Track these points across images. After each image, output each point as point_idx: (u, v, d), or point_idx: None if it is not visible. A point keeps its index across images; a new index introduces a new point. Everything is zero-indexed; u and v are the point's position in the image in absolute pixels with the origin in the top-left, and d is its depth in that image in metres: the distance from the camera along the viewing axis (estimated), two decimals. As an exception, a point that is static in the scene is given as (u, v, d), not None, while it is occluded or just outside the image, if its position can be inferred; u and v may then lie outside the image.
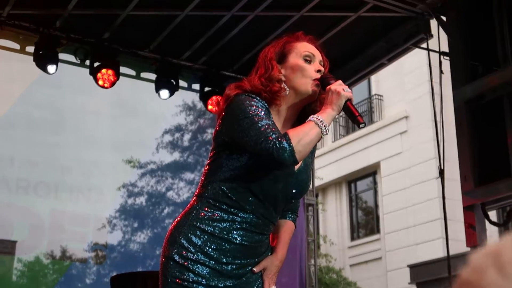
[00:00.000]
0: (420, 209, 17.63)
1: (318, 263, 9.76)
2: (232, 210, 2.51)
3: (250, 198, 2.52)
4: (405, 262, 17.32)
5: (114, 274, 8.37)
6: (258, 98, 2.57)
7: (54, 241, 8.75)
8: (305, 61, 2.68)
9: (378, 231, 19.70)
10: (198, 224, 2.50)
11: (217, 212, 2.51)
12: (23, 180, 8.33)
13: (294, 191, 2.61)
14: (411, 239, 17.85)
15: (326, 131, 2.46)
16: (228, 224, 2.50)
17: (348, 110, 2.54)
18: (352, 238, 20.57)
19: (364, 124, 2.53)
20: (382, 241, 19.17)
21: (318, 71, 2.66)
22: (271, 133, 2.40)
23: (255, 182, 2.52)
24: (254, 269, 2.57)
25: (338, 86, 2.54)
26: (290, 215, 2.81)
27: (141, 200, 10.28)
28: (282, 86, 2.62)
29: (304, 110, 2.71)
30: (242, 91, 2.60)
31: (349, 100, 2.54)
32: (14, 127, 8.31)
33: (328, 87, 2.56)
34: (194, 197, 2.61)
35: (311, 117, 2.47)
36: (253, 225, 2.53)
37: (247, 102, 2.52)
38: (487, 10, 6.08)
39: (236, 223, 2.51)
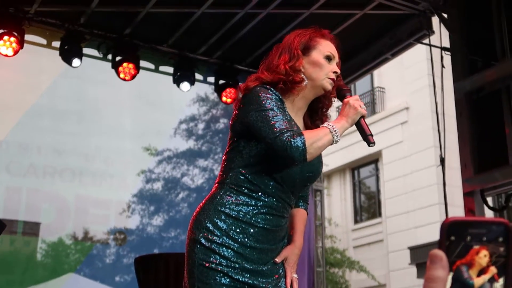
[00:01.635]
0: (420, 195, 17.63)
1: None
2: (254, 194, 2.51)
3: (270, 182, 2.52)
4: (405, 244, 17.36)
5: (133, 255, 8.44)
6: (274, 90, 2.56)
7: (78, 223, 8.79)
8: (326, 59, 2.69)
9: (380, 215, 19.72)
10: (223, 208, 2.49)
11: (240, 197, 2.51)
12: (50, 167, 8.36)
13: (308, 174, 2.63)
14: (411, 223, 17.87)
15: (337, 140, 2.50)
16: (251, 208, 2.50)
17: (361, 127, 2.56)
18: (356, 221, 20.61)
19: (374, 144, 2.54)
20: (383, 224, 19.20)
21: (335, 72, 2.67)
22: (287, 130, 2.41)
23: (273, 166, 2.52)
24: (276, 259, 2.56)
25: (355, 101, 2.54)
26: (302, 204, 2.81)
27: (158, 185, 10.31)
28: (302, 76, 2.63)
29: (312, 102, 2.74)
30: (261, 82, 2.60)
31: (363, 117, 2.55)
32: (41, 117, 8.33)
33: (346, 100, 2.56)
34: (216, 184, 2.60)
35: (327, 124, 2.50)
36: (274, 208, 2.53)
37: (265, 95, 2.52)
38: (486, 7, 6.07)
39: (259, 206, 2.51)
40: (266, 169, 2.52)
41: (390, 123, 19.02)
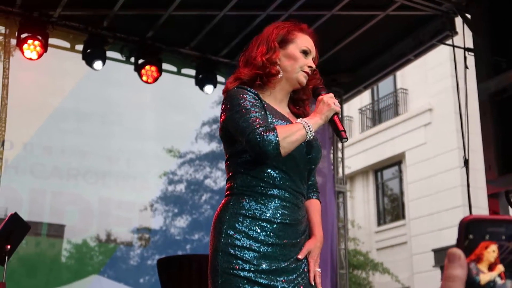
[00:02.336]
0: (443, 197, 17.49)
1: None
2: (264, 190, 2.51)
3: (275, 174, 2.52)
4: (429, 247, 17.21)
5: (156, 256, 8.46)
6: (250, 89, 2.60)
7: (101, 225, 8.84)
8: (302, 53, 2.71)
9: (403, 217, 19.59)
10: (239, 211, 2.49)
11: (251, 197, 2.51)
12: (73, 169, 8.42)
13: (309, 156, 2.62)
14: (435, 225, 17.72)
15: (311, 136, 2.50)
16: (265, 205, 2.50)
17: (334, 123, 2.58)
18: (379, 224, 20.49)
19: (346, 139, 2.57)
20: (407, 226, 19.06)
21: (310, 67, 2.71)
22: (259, 126, 2.43)
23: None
24: (299, 256, 2.54)
25: (329, 98, 2.57)
26: (313, 194, 2.78)
27: (181, 187, 10.35)
28: (278, 69, 2.67)
29: (294, 93, 2.79)
30: (239, 82, 2.65)
31: (336, 114, 2.57)
32: (65, 120, 8.40)
33: (320, 97, 2.60)
34: (226, 192, 2.61)
35: (300, 120, 2.52)
36: (287, 200, 2.53)
37: (239, 95, 2.56)
38: (510, 8, 6.00)
39: (272, 202, 2.51)
40: (272, 163, 2.52)
41: (413, 125, 18.89)
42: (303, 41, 2.73)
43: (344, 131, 2.57)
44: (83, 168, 8.46)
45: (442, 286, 0.85)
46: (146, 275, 9.03)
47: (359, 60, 8.56)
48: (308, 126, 2.48)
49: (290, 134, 2.44)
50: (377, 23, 7.44)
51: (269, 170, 2.52)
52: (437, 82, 18.19)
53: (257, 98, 2.58)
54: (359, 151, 20.19)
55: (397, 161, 20.01)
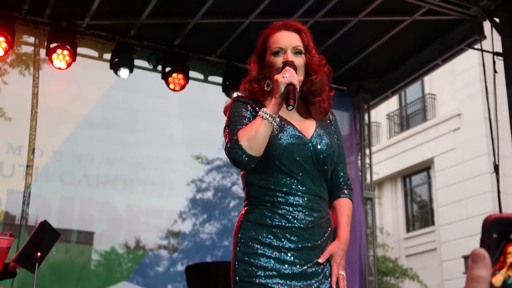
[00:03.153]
0: (473, 203, 17.29)
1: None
2: (274, 198, 2.50)
3: (281, 181, 2.52)
4: (459, 253, 17.02)
5: (185, 263, 8.48)
6: (242, 100, 2.62)
7: (130, 232, 8.88)
8: (274, 56, 2.63)
9: (432, 223, 19.40)
10: (252, 220, 2.52)
11: (263, 205, 2.52)
12: (103, 176, 8.47)
13: (315, 158, 2.56)
14: (465, 231, 17.52)
15: (273, 121, 2.43)
16: (275, 212, 2.50)
17: (287, 94, 2.43)
18: (408, 230, 20.32)
19: (291, 107, 2.40)
20: (436, 232, 18.87)
21: (285, 61, 2.58)
22: (228, 141, 2.45)
23: (276, 162, 2.51)
24: (320, 260, 2.50)
25: (279, 75, 2.46)
26: (341, 193, 2.70)
27: (209, 194, 10.36)
28: (262, 84, 2.64)
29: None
30: (236, 97, 2.67)
31: (291, 84, 2.42)
32: (94, 128, 8.46)
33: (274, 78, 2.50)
34: (244, 203, 2.64)
35: (260, 111, 2.46)
36: (298, 204, 2.51)
37: (231, 111, 2.59)
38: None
39: (285, 208, 2.50)
40: (273, 169, 2.52)
41: (442, 130, 18.73)
42: (274, 42, 2.65)
43: (294, 99, 2.41)
44: (111, 176, 8.51)
45: (466, 287, 0.83)
46: (174, 282, 9.05)
47: (386, 65, 8.51)
48: (265, 113, 2.42)
49: (250, 131, 2.42)
50: (404, 28, 7.39)
51: (274, 178, 2.52)
52: (466, 87, 18.02)
53: (248, 106, 2.60)
54: (387, 157, 20.06)
55: (425, 167, 19.84)
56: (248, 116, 2.56)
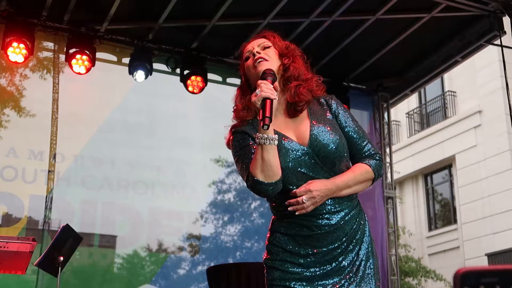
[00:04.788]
0: (496, 200, 17.14)
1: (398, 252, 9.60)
2: (286, 212, 2.54)
3: (291, 189, 2.53)
4: (483, 251, 16.88)
5: (207, 265, 8.48)
6: (240, 131, 2.61)
7: (152, 235, 8.89)
8: (246, 61, 2.67)
9: (455, 221, 19.26)
10: (276, 229, 2.62)
11: (285, 218, 2.59)
12: (123, 180, 8.50)
13: (320, 162, 2.53)
14: (488, 229, 17.37)
15: (270, 140, 2.39)
16: (296, 223, 2.55)
17: (263, 110, 2.36)
18: (430, 229, 20.19)
19: (266, 127, 2.33)
20: (459, 231, 18.73)
21: (253, 55, 2.64)
22: (246, 180, 2.48)
23: (287, 185, 2.52)
24: (294, 191, 2.49)
25: (253, 94, 2.42)
26: (362, 161, 2.65)
27: (229, 196, 10.36)
28: (246, 111, 2.63)
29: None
30: (232, 129, 2.68)
31: (267, 98, 2.36)
32: (114, 131, 8.49)
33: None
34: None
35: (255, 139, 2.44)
36: (317, 214, 2.52)
37: (233, 146, 2.62)
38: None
39: (303, 219, 2.53)
40: (284, 189, 2.52)
41: (462, 127, 18.58)
42: (246, 51, 2.71)
43: (268, 117, 2.33)
44: (132, 179, 8.54)
45: None
46: (197, 284, 9.05)
47: (405, 63, 8.46)
48: (260, 138, 2.39)
49: (258, 162, 2.42)
50: (422, 26, 7.34)
51: (286, 196, 2.53)
52: (486, 83, 17.87)
53: (243, 135, 2.60)
54: (408, 156, 19.96)
55: (447, 165, 19.70)
56: (251, 143, 2.56)
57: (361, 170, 2.60)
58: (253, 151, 2.50)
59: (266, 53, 2.63)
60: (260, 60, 2.59)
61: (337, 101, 2.73)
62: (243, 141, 2.59)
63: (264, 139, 2.38)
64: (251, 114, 2.63)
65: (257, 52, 2.64)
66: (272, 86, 2.42)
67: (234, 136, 2.63)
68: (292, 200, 2.50)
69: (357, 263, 2.54)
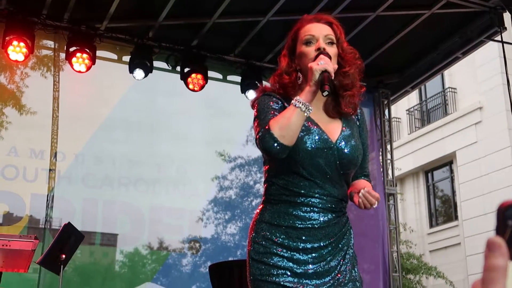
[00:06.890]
0: (497, 196, 17.13)
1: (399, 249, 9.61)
2: (291, 198, 2.50)
3: (301, 182, 2.50)
4: (484, 247, 16.88)
5: (208, 263, 8.48)
6: (271, 94, 2.58)
7: (153, 233, 8.89)
8: (306, 45, 2.58)
9: (456, 218, 19.26)
10: (266, 219, 2.53)
11: (278, 205, 2.52)
12: (124, 178, 8.50)
13: (338, 162, 2.52)
14: (489, 225, 17.37)
15: (305, 108, 2.37)
16: (291, 214, 2.49)
17: (322, 80, 2.37)
18: (431, 225, 20.19)
19: (326, 93, 2.34)
20: (460, 227, 18.73)
21: (318, 49, 2.54)
22: (259, 131, 2.41)
23: (298, 166, 2.49)
24: (355, 199, 2.48)
25: (314, 62, 2.42)
26: (360, 177, 2.69)
27: (231, 193, 10.35)
28: (292, 77, 2.59)
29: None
30: (262, 92, 2.64)
31: (325, 71, 2.37)
32: (115, 129, 8.49)
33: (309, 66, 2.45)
34: (262, 201, 2.63)
35: (293, 100, 2.41)
36: (314, 206, 2.50)
37: (259, 104, 2.56)
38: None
39: (299, 210, 2.49)
40: (293, 170, 2.50)
41: (463, 124, 18.58)
42: (305, 31, 2.62)
43: (329, 85, 2.35)
44: (133, 177, 8.53)
45: (483, 278, 0.80)
46: (198, 281, 9.06)
47: (406, 60, 8.46)
48: (298, 101, 2.38)
49: (283, 120, 2.38)
50: (422, 22, 7.35)
51: (294, 179, 2.50)
52: (487, 80, 17.87)
53: (275, 98, 2.56)
54: (409, 152, 19.95)
55: (448, 161, 19.70)
56: (277, 108, 2.52)
57: (364, 183, 2.63)
58: (276, 114, 2.47)
59: (329, 51, 2.54)
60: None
61: (364, 115, 2.77)
62: (270, 102, 2.54)
63: (301, 103, 2.36)
64: (292, 81, 2.59)
65: (323, 48, 2.53)
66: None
67: (263, 96, 2.59)
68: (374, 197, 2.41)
69: (344, 267, 2.52)
